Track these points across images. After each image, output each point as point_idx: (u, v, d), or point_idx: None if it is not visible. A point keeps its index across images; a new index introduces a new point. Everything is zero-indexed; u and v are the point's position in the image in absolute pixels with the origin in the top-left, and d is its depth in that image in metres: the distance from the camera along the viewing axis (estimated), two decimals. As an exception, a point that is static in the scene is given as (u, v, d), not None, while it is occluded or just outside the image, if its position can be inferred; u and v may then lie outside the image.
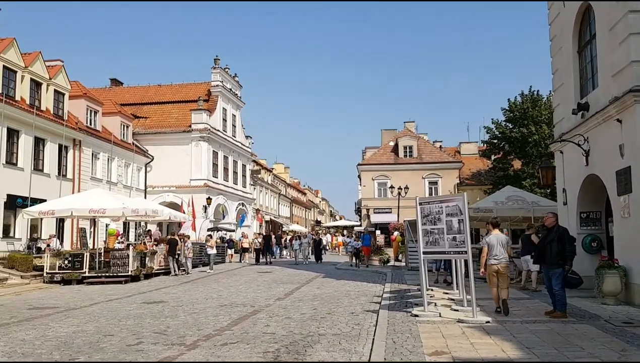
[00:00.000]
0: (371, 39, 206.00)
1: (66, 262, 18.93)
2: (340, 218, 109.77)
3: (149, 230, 26.93)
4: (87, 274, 18.71)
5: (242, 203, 46.40)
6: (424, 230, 9.87)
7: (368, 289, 15.60)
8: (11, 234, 25.33)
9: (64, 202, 19.24)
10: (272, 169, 78.91)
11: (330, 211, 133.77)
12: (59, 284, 18.55)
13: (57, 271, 18.83)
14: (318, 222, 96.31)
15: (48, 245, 24.66)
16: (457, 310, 10.06)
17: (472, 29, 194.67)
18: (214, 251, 23.02)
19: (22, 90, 27.01)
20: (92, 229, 31.70)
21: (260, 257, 27.08)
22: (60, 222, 28.73)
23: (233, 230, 37.91)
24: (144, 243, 21.52)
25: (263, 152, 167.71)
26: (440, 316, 9.51)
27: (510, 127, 42.51)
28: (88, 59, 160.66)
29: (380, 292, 14.58)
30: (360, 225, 55.65)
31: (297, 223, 78.22)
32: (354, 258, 25.25)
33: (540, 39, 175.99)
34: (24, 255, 19.33)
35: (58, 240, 25.89)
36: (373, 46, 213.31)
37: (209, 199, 38.29)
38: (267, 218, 63.22)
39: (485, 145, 47.61)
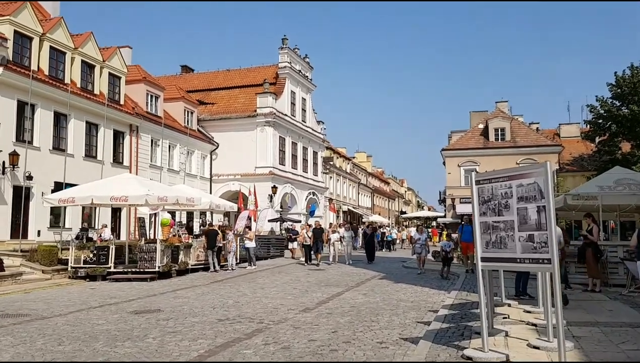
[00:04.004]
0: (458, 14, 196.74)
1: (91, 255, 17.03)
2: (429, 209, 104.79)
3: (189, 221, 24.83)
4: (112, 269, 16.69)
5: (312, 192, 43.77)
6: (484, 224, 6.40)
7: (426, 299, 12.16)
8: (61, 224, 24.23)
9: (86, 188, 17.31)
10: (353, 157, 75.93)
11: (418, 201, 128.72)
12: (84, 280, 16.70)
13: (81, 265, 16.98)
14: (402, 213, 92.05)
15: (100, 236, 23.31)
16: (537, 348, 6.52)
17: None
18: (253, 244, 20.35)
19: (73, 73, 25.81)
20: (152, 219, 30.35)
21: (311, 255, 22.01)
22: (117, 211, 27.49)
23: (299, 221, 35.28)
24: (179, 235, 19.27)
25: (343, 140, 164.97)
26: (507, 360, 6.04)
27: (618, 104, 36.69)
28: (160, 47, 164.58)
29: (439, 304, 11.13)
30: (445, 216, 51.39)
31: (379, 214, 74.72)
32: (443, 266, 17.20)
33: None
34: (47, 247, 17.66)
35: (109, 230, 24.53)
36: (460, 22, 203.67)
37: (274, 188, 35.94)
38: (345, 208, 60.39)
39: (588, 126, 41.61)
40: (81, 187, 18.07)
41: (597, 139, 40.36)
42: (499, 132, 47.26)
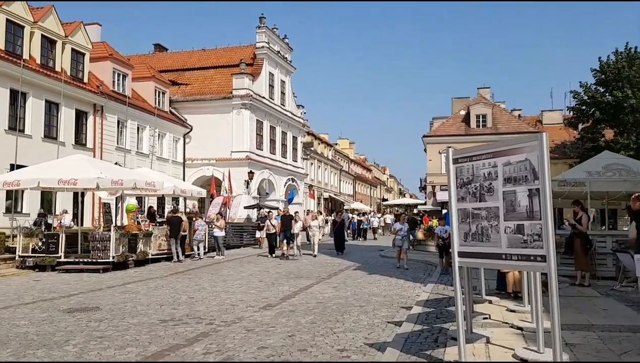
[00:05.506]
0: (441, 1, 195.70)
1: (40, 243, 15.67)
2: (411, 197, 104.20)
3: (151, 207, 23.51)
4: (62, 259, 15.34)
5: (291, 178, 42.52)
6: (462, 212, 5.28)
7: (400, 293, 11.11)
8: (18, 209, 22.75)
9: (33, 171, 15.85)
10: (336, 144, 74.73)
11: (400, 189, 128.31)
12: (33, 270, 15.34)
13: (29, 254, 15.62)
14: (384, 200, 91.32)
15: (60, 222, 21.89)
16: (525, 361, 5.44)
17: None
18: (222, 233, 19.12)
19: (32, 48, 24.18)
20: (119, 204, 28.87)
21: (276, 245, 19.88)
22: (80, 195, 25.98)
23: (277, 208, 34.03)
24: (138, 222, 17.94)
25: (326, 127, 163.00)
26: (489, 379, 4.96)
27: (602, 90, 35.91)
28: (134, 26, 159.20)
29: (413, 299, 10.08)
30: (425, 204, 50.63)
31: (361, 201, 73.79)
32: (441, 257, 15.31)
33: None
34: (-7, 235, 16.24)
35: (70, 217, 23.07)
36: (443, 7, 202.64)
37: (251, 173, 34.59)
38: (326, 195, 59.29)
39: (571, 112, 40.86)
40: (29, 169, 16.57)
41: (580, 126, 39.63)
42: (480, 119, 46.60)
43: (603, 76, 35.53)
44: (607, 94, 35.25)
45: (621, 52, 35.16)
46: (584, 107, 37.11)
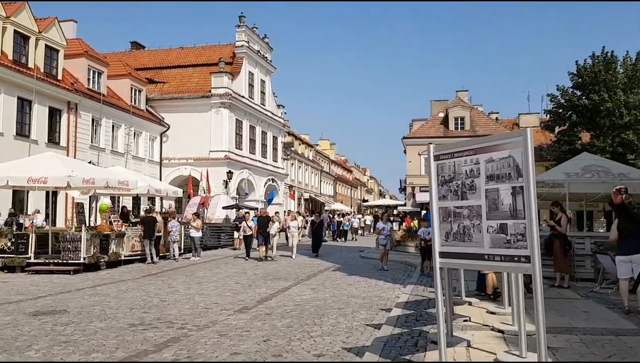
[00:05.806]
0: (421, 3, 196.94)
1: (9, 244, 15.13)
2: (391, 198, 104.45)
3: (124, 207, 22.99)
4: (32, 260, 14.84)
5: (271, 178, 42.16)
6: (443, 211, 5.08)
7: (380, 294, 10.90)
8: (-13, 209, 22.05)
9: (2, 169, 15.25)
10: (316, 145, 74.53)
11: (380, 190, 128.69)
12: (2, 271, 14.81)
13: (-3, 255, 15.09)
14: (365, 201, 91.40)
15: (32, 222, 21.28)
16: (507, 365, 5.26)
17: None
18: (199, 234, 18.72)
19: (4, 44, 23.51)
20: (93, 204, 28.20)
21: (252, 246, 19.40)
22: (53, 195, 25.31)
23: (256, 209, 33.65)
24: (110, 222, 17.47)
25: (307, 127, 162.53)
26: (471, 385, 4.76)
27: (579, 94, 36.25)
28: (110, 22, 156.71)
29: (393, 301, 9.88)
30: (405, 205, 50.72)
31: (341, 202, 73.73)
32: (423, 259, 14.31)
33: None
34: (-43, 235, 15.62)
35: (42, 217, 22.45)
36: (423, 8, 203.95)
37: (229, 173, 34.17)
38: (307, 196, 59.05)
39: (548, 116, 41.18)
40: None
41: (557, 129, 40.00)
42: (459, 121, 47.00)
43: (580, 79, 35.87)
44: (583, 97, 35.54)
45: (598, 55, 35.55)
46: (560, 110, 37.45)
